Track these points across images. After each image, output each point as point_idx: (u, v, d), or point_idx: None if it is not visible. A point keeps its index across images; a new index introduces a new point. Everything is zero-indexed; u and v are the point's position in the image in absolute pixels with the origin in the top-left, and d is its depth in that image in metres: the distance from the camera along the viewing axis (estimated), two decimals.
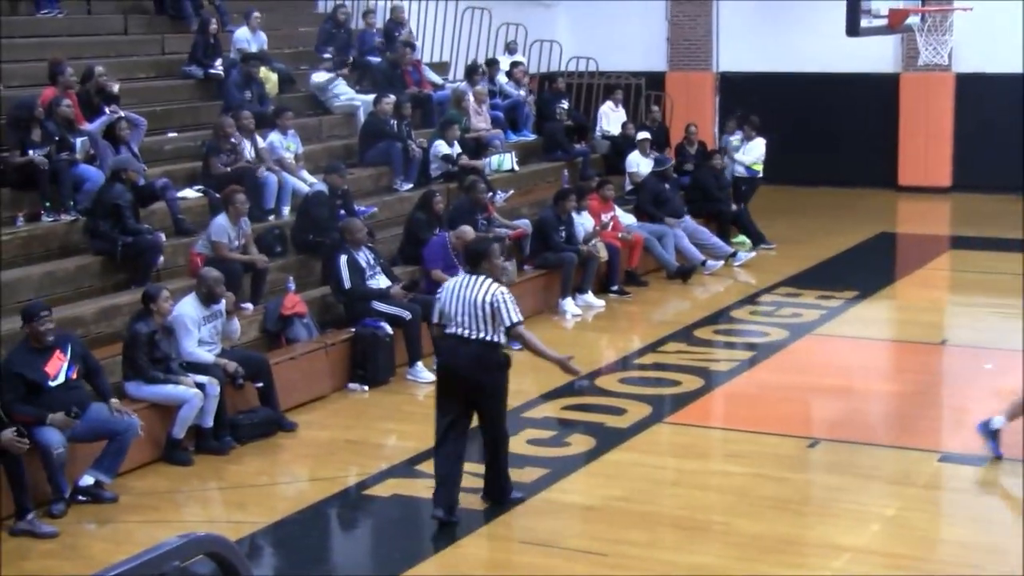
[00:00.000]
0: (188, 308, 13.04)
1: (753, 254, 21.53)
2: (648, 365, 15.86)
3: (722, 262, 20.92)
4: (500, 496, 11.06)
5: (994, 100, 27.35)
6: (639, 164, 22.25)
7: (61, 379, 11.37)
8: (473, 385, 10.65)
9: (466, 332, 10.60)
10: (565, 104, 23.90)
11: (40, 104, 15.36)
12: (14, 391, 11.12)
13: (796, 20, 28.19)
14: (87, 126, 16.00)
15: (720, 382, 15.04)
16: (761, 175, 23.45)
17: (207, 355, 12.96)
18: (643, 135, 22.66)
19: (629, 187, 22.30)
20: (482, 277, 10.71)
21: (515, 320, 10.61)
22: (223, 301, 13.32)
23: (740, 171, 23.34)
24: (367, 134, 19.66)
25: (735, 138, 23.77)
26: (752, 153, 23.26)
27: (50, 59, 16.80)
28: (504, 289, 10.72)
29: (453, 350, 10.70)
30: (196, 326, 12.97)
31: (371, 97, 20.19)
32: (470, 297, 10.60)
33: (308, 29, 24.01)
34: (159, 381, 12.34)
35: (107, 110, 16.28)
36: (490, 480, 11.06)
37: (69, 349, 11.53)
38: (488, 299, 10.56)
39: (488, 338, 10.58)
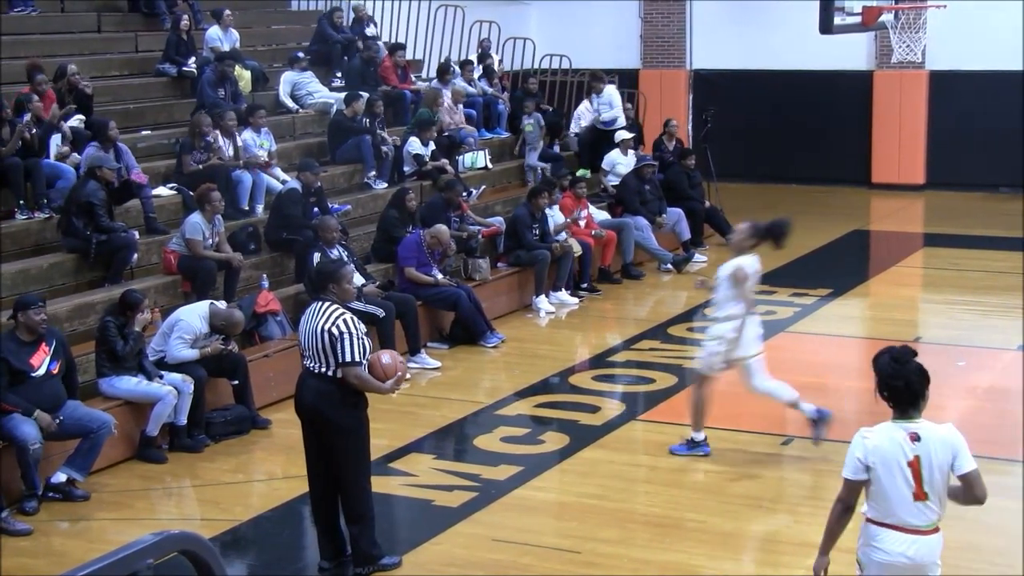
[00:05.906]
0: (195, 320, 13.05)
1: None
2: (622, 363, 15.88)
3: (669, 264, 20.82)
4: (357, 562, 9.95)
5: (968, 98, 27.44)
6: (616, 163, 22.14)
7: (43, 371, 11.39)
8: (320, 422, 9.70)
9: (312, 364, 9.67)
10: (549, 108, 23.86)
11: (8, 105, 15.34)
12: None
13: (770, 17, 28.24)
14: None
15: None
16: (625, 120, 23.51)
17: (192, 352, 12.95)
18: (624, 134, 22.58)
19: (605, 185, 22.19)
20: (327, 303, 9.71)
21: (348, 359, 9.50)
22: (232, 341, 13.39)
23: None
24: (334, 131, 19.63)
25: (529, 123, 22.81)
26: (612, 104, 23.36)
27: (27, 62, 16.75)
28: (349, 318, 9.61)
29: (302, 382, 9.82)
30: (192, 339, 12.97)
31: (344, 95, 20.16)
32: (312, 326, 9.62)
33: (280, 27, 23.98)
34: (132, 370, 12.36)
35: (69, 121, 16.24)
36: (339, 539, 10.07)
37: (53, 343, 11.55)
38: (329, 327, 9.51)
39: (330, 372, 9.59)
